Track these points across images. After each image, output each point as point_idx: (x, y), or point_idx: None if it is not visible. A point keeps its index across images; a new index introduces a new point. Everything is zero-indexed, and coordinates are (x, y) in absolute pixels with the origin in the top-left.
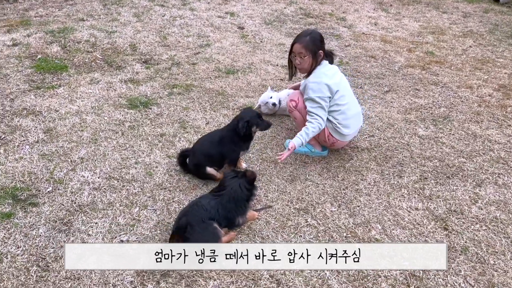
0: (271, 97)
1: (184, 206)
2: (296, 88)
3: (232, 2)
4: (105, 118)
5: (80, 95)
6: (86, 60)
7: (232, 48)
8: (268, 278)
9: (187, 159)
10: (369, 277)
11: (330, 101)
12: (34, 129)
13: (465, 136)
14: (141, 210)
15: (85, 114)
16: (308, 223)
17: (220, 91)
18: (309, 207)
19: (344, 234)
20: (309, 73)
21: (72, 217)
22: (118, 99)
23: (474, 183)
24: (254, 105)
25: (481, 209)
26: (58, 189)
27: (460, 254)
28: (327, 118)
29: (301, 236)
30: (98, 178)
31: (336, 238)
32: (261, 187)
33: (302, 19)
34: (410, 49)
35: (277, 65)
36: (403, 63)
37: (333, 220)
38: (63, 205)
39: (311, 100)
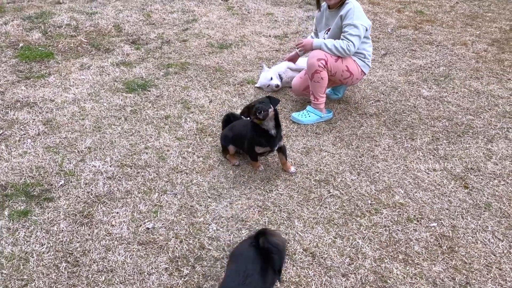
0: (271, 79)
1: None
2: (292, 58)
3: None
4: (105, 104)
5: (73, 82)
6: (71, 45)
7: (220, 21)
8: (302, 252)
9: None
10: (401, 242)
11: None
12: (33, 121)
13: (469, 94)
14: (161, 195)
15: (83, 101)
16: (331, 193)
17: (217, 67)
18: (329, 178)
19: (369, 202)
20: (340, 4)
21: (91, 209)
22: (114, 84)
23: (486, 139)
24: (255, 80)
25: (497, 164)
26: (71, 182)
27: (484, 211)
28: (359, 53)
29: (326, 207)
30: (110, 166)
31: (362, 206)
32: (277, 162)
33: None
34: (399, 9)
35: (270, 35)
36: (395, 24)
37: (355, 189)
38: (79, 197)
39: (354, 26)
